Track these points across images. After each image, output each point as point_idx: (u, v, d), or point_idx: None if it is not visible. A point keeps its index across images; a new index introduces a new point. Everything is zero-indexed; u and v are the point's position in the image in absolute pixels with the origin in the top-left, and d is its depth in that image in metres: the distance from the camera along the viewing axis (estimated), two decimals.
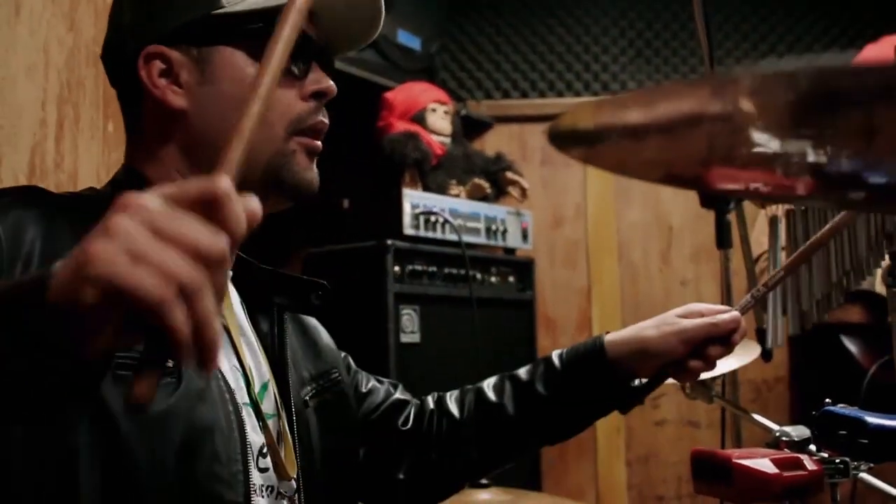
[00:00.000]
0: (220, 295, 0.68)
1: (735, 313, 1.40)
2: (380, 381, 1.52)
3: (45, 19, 1.84)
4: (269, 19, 1.15)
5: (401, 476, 1.44)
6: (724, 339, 1.39)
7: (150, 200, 0.67)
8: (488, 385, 1.50)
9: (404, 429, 1.46)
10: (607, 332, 1.46)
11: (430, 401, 1.51)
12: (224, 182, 0.71)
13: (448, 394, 1.53)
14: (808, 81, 0.47)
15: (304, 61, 1.20)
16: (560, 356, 1.47)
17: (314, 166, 1.22)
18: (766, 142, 0.57)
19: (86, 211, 1.11)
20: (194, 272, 0.65)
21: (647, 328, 1.43)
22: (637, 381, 1.47)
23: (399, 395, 1.50)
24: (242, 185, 1.20)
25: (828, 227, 1.49)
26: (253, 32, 1.17)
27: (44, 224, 1.04)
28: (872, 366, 2.35)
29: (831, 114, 0.52)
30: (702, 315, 1.42)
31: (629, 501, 3.61)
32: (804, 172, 0.63)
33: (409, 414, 1.48)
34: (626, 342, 1.42)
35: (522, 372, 1.49)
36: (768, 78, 0.49)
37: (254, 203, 0.74)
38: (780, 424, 1.35)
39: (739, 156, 0.61)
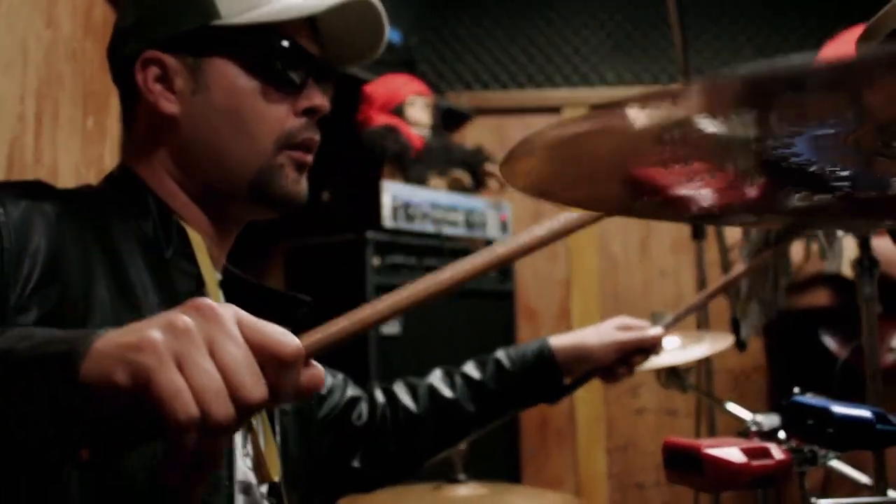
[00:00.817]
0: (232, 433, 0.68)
1: (659, 329, 1.66)
2: (333, 376, 1.56)
3: (22, 15, 1.84)
4: (264, 34, 1.20)
5: (355, 465, 1.53)
6: (647, 351, 1.66)
7: (225, 316, 0.67)
8: (438, 380, 1.61)
9: (358, 424, 1.54)
10: (548, 338, 1.67)
11: (380, 394, 1.59)
12: (299, 349, 0.69)
13: (394, 386, 1.61)
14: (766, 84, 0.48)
15: (299, 76, 1.22)
16: (509, 358, 1.64)
17: (303, 179, 1.26)
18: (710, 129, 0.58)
19: (86, 208, 1.12)
20: (226, 410, 0.64)
21: (588, 337, 1.65)
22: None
23: (350, 391, 1.56)
24: (229, 196, 1.22)
25: (749, 266, 1.78)
26: (248, 46, 1.20)
27: (51, 222, 1.04)
28: (844, 351, 2.37)
29: (779, 110, 0.53)
30: (630, 329, 1.66)
31: (609, 490, 3.64)
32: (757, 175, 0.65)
33: (363, 409, 1.56)
34: (571, 348, 1.63)
35: (472, 370, 1.62)
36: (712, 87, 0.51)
37: (317, 376, 0.73)
38: (757, 413, 1.38)
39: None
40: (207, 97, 1.19)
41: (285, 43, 1.20)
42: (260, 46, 1.20)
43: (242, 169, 1.21)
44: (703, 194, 0.64)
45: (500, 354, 1.64)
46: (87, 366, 0.66)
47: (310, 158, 1.26)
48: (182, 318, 0.65)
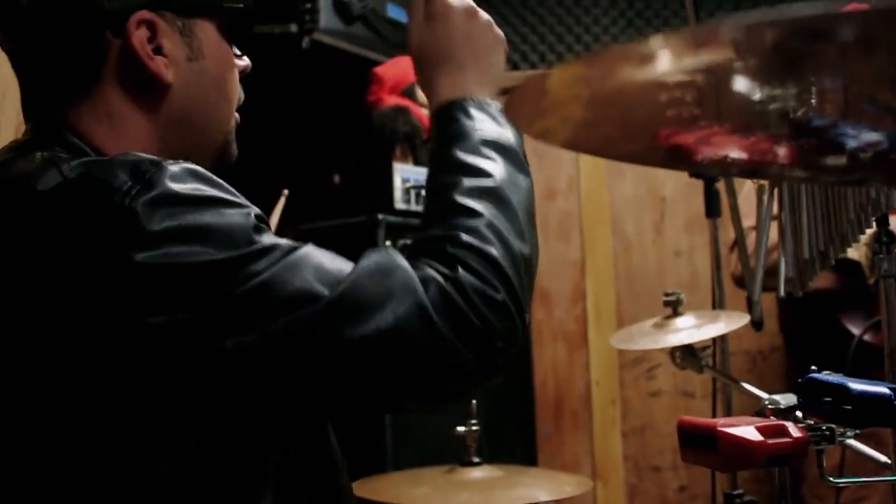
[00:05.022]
0: None
1: None
2: None
3: None
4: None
5: None
6: None
7: None
8: None
9: None
10: None
11: None
12: None
13: None
14: (785, 31, 0.47)
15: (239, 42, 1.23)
16: None
17: None
18: (746, 92, 0.57)
19: None
20: None
21: None
22: None
23: None
24: (196, 163, 1.21)
25: None
26: (226, 9, 1.18)
27: None
28: (860, 330, 2.35)
29: (810, 64, 0.52)
30: None
31: (625, 473, 3.62)
32: (784, 135, 0.63)
33: None
34: None
35: None
36: (741, 29, 0.49)
37: None
38: (773, 394, 1.36)
39: (719, 115, 0.61)
40: (202, 65, 1.16)
41: (246, 7, 1.20)
42: (234, 10, 1.19)
43: (218, 135, 1.21)
44: (734, 153, 0.62)
45: None
46: None
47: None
48: None
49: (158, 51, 1.12)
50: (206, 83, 1.17)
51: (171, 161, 1.01)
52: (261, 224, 1.02)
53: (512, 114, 0.62)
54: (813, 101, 0.52)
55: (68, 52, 1.11)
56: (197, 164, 1.16)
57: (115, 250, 0.94)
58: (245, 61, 1.24)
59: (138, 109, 1.14)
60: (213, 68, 1.17)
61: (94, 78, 1.12)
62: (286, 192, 2.30)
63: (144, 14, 1.10)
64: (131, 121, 1.13)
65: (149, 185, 0.97)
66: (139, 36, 1.10)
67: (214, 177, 1.04)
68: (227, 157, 1.23)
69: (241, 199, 1.03)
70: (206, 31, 1.17)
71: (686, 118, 0.59)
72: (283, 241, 1.02)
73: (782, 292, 1.82)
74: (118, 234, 0.95)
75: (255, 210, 1.03)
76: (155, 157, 1.02)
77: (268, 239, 1.00)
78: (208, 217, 0.98)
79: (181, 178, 1.00)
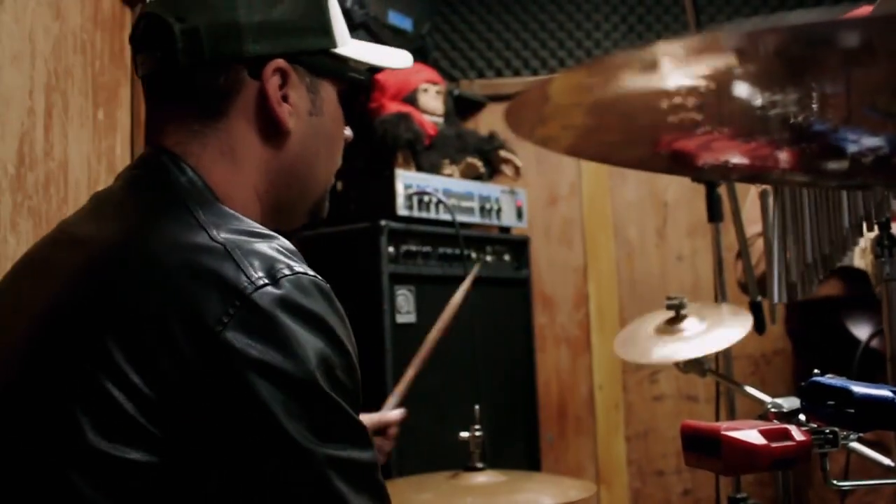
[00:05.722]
0: None
1: (400, 411, 1.79)
2: None
3: (30, 7, 1.84)
4: (359, 70, 1.31)
5: None
6: (386, 429, 1.77)
7: None
8: None
9: None
10: None
11: None
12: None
13: None
14: (786, 38, 0.47)
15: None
16: None
17: None
18: (747, 97, 0.57)
19: None
20: None
21: None
22: None
23: None
24: (293, 212, 1.29)
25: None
26: (348, 78, 1.29)
27: None
28: (866, 336, 2.35)
29: (811, 71, 0.52)
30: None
31: (629, 477, 3.62)
32: (785, 140, 0.63)
33: None
34: None
35: None
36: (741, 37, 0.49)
37: None
38: (776, 397, 1.37)
39: (720, 120, 0.61)
40: (321, 121, 1.26)
41: (366, 80, 1.33)
42: (354, 80, 1.30)
43: (319, 189, 1.30)
44: (735, 158, 0.63)
45: None
46: None
47: None
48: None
49: (285, 99, 1.21)
50: (321, 139, 1.26)
51: (301, 269, 1.05)
52: (354, 374, 1.06)
53: (514, 120, 0.62)
54: (814, 106, 0.53)
55: (208, 83, 1.18)
56: (294, 212, 1.29)
57: (215, 320, 0.98)
58: (349, 131, 1.34)
59: (258, 149, 1.21)
60: (328, 127, 1.27)
61: (225, 111, 1.19)
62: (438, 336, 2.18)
63: (281, 63, 1.19)
64: (249, 160, 1.20)
65: (276, 284, 1.01)
66: (273, 82, 1.19)
67: (336, 300, 1.08)
68: (321, 211, 1.33)
69: (345, 337, 1.06)
70: (328, 93, 1.27)
71: (687, 124, 0.60)
72: (351, 414, 1.05)
73: (776, 299, 1.81)
74: (225, 309, 0.98)
75: (353, 355, 1.07)
76: (290, 261, 1.06)
77: (344, 401, 1.03)
78: (307, 336, 1.01)
79: (306, 289, 1.04)
